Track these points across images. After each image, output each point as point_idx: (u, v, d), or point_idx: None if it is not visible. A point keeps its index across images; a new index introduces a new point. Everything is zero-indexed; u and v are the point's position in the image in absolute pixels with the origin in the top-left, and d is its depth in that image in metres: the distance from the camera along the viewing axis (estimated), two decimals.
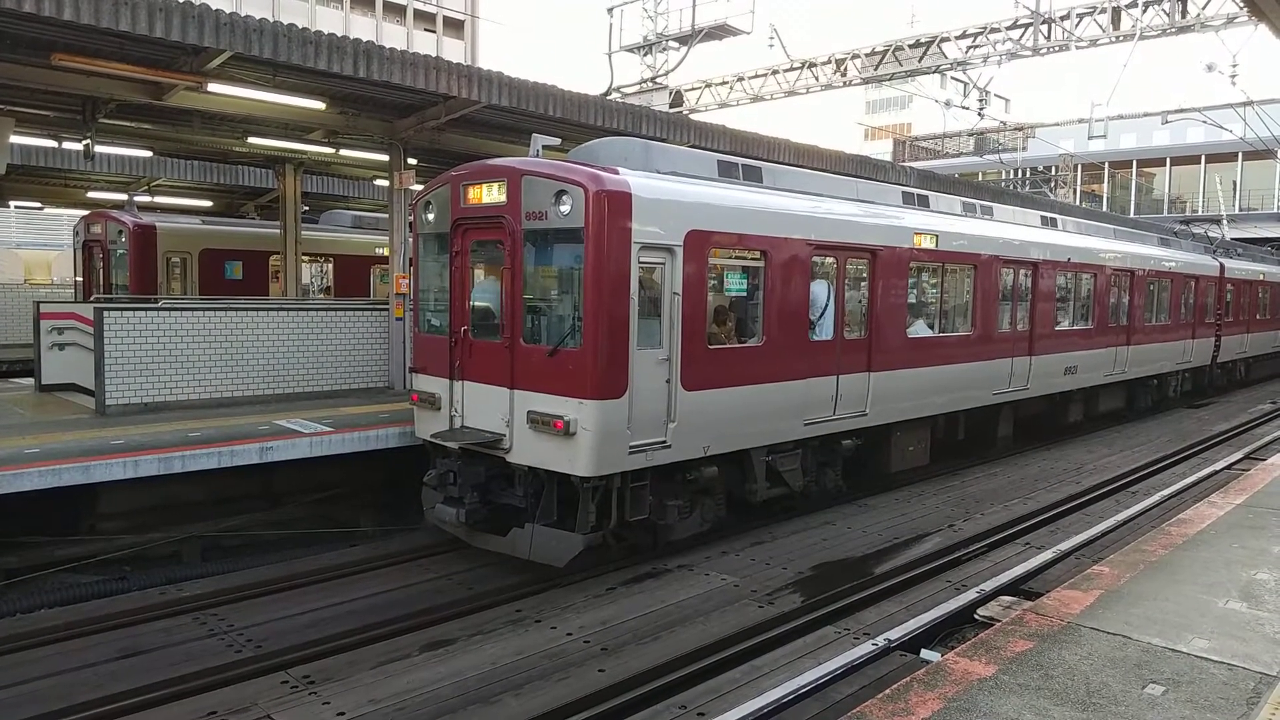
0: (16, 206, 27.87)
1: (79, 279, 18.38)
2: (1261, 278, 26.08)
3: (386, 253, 13.96)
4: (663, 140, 12.17)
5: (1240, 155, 39.26)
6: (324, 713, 5.73)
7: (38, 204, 24.17)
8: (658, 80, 24.84)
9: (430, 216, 9.24)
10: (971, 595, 7.81)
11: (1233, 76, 23.79)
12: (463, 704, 5.89)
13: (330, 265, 19.80)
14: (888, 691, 4.59)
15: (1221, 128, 31.37)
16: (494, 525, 8.64)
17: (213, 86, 10.44)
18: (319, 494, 10.27)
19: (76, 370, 11.81)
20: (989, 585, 8.08)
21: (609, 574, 8.43)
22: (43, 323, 12.36)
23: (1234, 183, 41.59)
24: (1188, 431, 17.38)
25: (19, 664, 6.52)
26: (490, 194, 8.48)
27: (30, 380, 13.03)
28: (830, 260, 10.24)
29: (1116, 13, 22.22)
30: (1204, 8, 21.26)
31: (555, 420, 7.76)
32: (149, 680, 6.18)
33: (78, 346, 11.81)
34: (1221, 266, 22.56)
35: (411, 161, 13.53)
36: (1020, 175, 47.04)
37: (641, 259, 7.96)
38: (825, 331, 10.15)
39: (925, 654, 6.65)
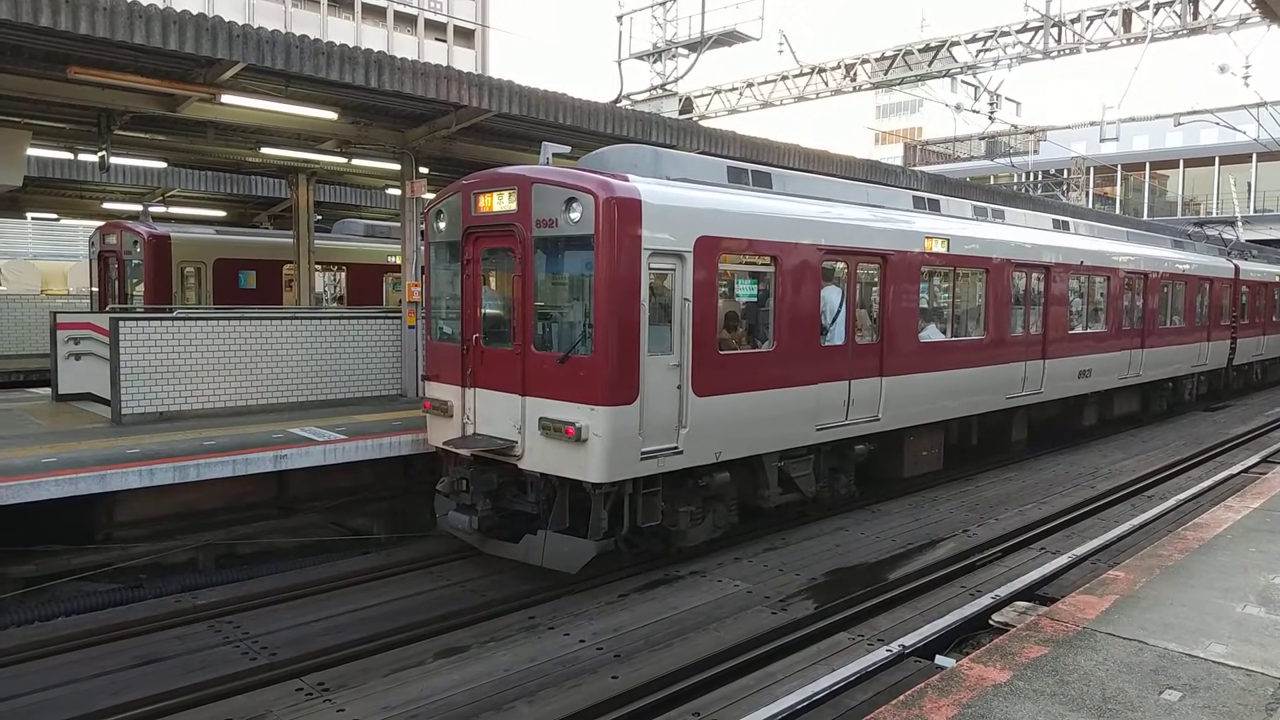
0: (33, 218, 28.15)
1: (95, 289, 18.53)
2: (1277, 279, 25.88)
3: (399, 261, 14.02)
4: (673, 147, 12.20)
5: (1255, 156, 39.00)
6: None
7: (54, 216, 24.42)
8: (667, 87, 24.90)
9: (441, 225, 9.29)
10: (986, 601, 7.77)
11: (1246, 78, 23.66)
12: (476, 711, 5.89)
13: (343, 274, 19.89)
14: (902, 698, 4.57)
15: (1235, 129, 31.20)
16: (506, 532, 8.66)
17: (226, 98, 10.52)
18: (332, 501, 10.31)
19: (93, 380, 11.90)
20: (1004, 591, 8.04)
21: (622, 580, 8.43)
22: (59, 333, 12.47)
23: (1248, 184, 41.30)
24: (1203, 435, 17.25)
25: (37, 671, 6.57)
26: (501, 202, 8.52)
27: (47, 390, 13.13)
28: (841, 265, 10.24)
29: (1127, 15, 22.16)
30: (1215, 9, 21.17)
31: (567, 427, 7.77)
32: (165, 688, 6.21)
33: (94, 356, 11.89)
34: (1236, 268, 22.40)
35: (423, 170, 13.60)
36: (1032, 178, 46.86)
37: (652, 265, 7.98)
38: (837, 336, 10.13)
39: (940, 660, 6.62)
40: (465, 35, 56.02)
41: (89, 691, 6.23)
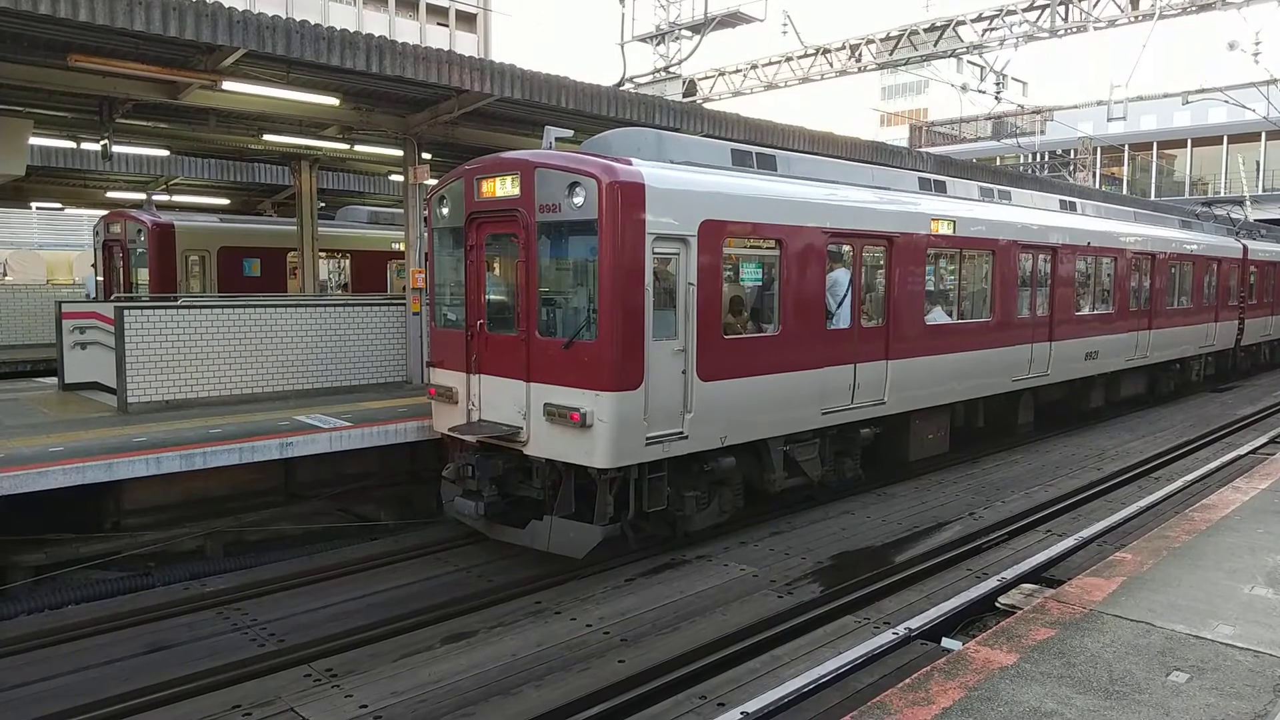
0: (37, 208, 28.24)
1: (100, 279, 18.56)
2: None
3: (403, 248, 14.00)
4: (676, 130, 12.13)
5: (1264, 135, 38.69)
6: (347, 705, 5.78)
7: (58, 205, 24.45)
8: (671, 70, 24.74)
9: (445, 211, 9.26)
10: (993, 583, 7.77)
11: (1255, 54, 23.45)
12: (484, 695, 5.92)
13: (347, 261, 19.89)
14: (908, 680, 4.58)
15: (1244, 107, 30.91)
16: (512, 518, 8.68)
17: (227, 84, 10.48)
18: (339, 488, 10.34)
19: (98, 369, 11.93)
20: (1010, 573, 8.04)
21: (628, 565, 8.45)
22: (65, 322, 12.48)
23: (1257, 163, 41.01)
24: (1211, 416, 17.19)
25: (47, 659, 6.61)
26: (504, 187, 8.48)
27: (53, 379, 13.17)
28: (846, 248, 10.18)
29: None
30: None
31: (572, 412, 7.77)
32: (174, 675, 6.25)
33: (99, 345, 11.92)
34: (1245, 249, 22.26)
35: (426, 156, 13.55)
36: (1038, 159, 46.58)
37: (656, 250, 7.94)
38: (842, 319, 10.10)
39: (946, 643, 6.63)
40: (467, 19, 55.71)
41: (98, 678, 6.27)
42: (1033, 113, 49.80)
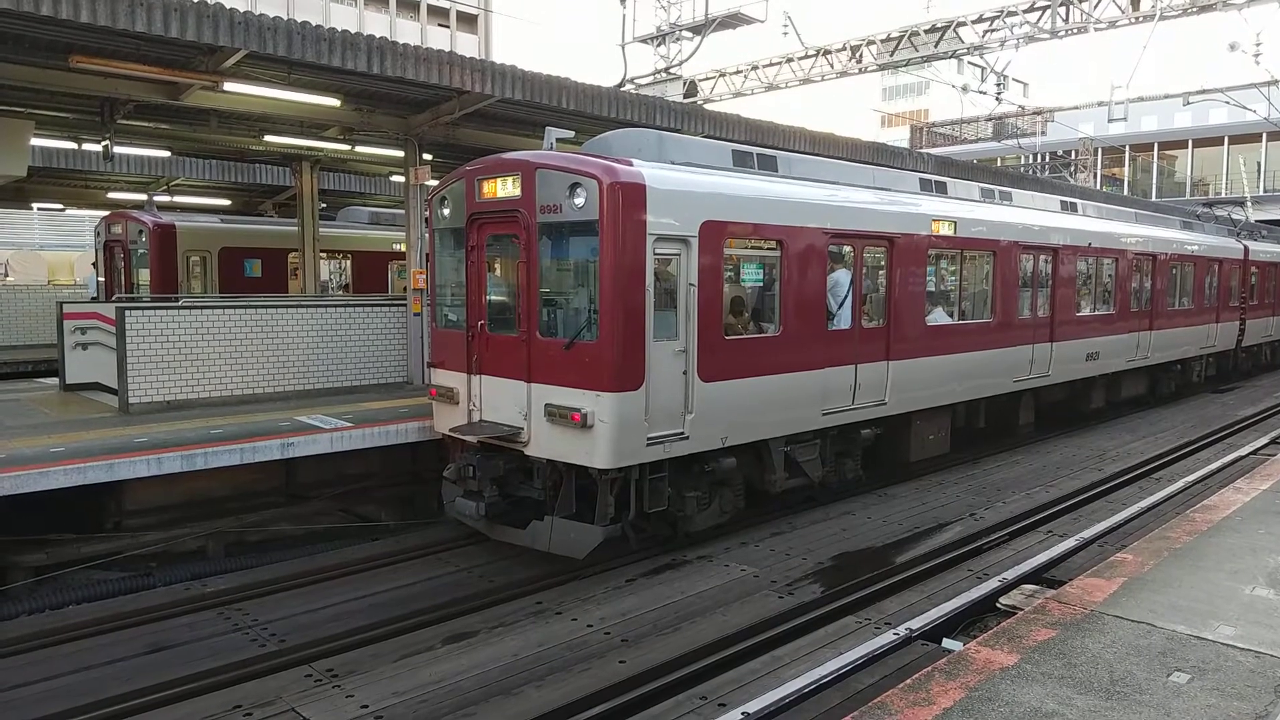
0: (39, 208, 28.24)
1: (101, 279, 18.57)
2: None
3: (404, 248, 14.01)
4: (677, 131, 12.14)
5: (1265, 136, 38.69)
6: (348, 705, 5.78)
7: (59, 206, 24.44)
8: (671, 70, 24.76)
9: (446, 211, 9.27)
10: (993, 584, 7.77)
11: (1256, 55, 23.46)
12: (485, 696, 5.92)
13: (348, 261, 19.90)
14: (909, 681, 4.58)
15: (1245, 108, 30.92)
16: (513, 518, 8.68)
17: (229, 85, 10.49)
18: (340, 489, 10.35)
19: (100, 369, 11.94)
20: (1011, 574, 8.04)
21: (629, 566, 8.44)
22: (66, 323, 12.49)
23: (1258, 164, 40.99)
24: (1212, 417, 17.18)
25: (48, 659, 6.62)
26: (505, 188, 8.49)
27: (55, 380, 13.18)
28: (847, 249, 10.19)
29: None
30: None
31: (573, 413, 7.77)
32: (175, 675, 6.25)
33: (100, 346, 11.93)
34: (1246, 249, 22.25)
35: (427, 157, 13.56)
36: (1039, 160, 46.58)
37: (657, 250, 7.94)
38: (843, 320, 10.10)
39: (947, 643, 6.63)
40: (468, 20, 55.73)
41: (99, 679, 6.27)
42: (1033, 114, 49.79)
